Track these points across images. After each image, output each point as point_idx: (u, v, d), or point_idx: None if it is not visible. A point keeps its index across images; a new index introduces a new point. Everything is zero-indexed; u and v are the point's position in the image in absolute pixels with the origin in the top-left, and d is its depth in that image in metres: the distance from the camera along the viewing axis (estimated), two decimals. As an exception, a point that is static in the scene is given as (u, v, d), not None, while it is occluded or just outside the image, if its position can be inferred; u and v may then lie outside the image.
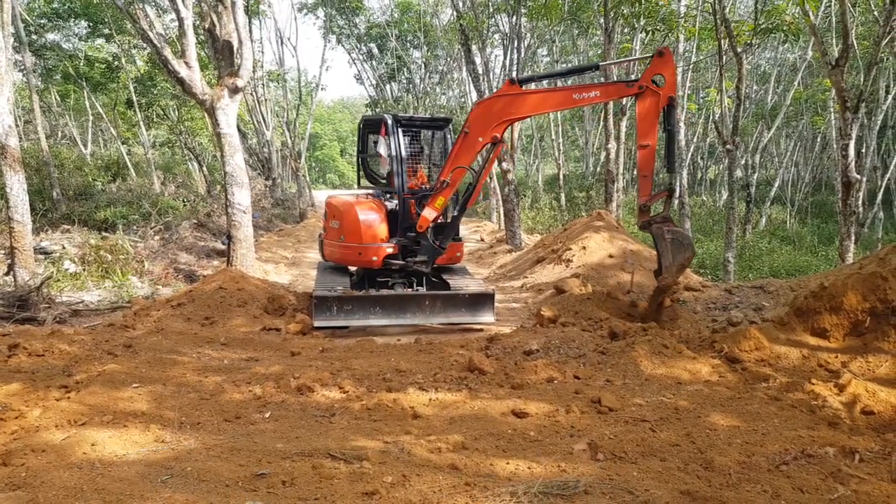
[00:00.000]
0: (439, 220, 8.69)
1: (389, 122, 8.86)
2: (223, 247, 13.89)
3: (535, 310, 9.09)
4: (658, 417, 4.47)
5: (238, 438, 4.13)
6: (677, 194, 21.52)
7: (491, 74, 20.74)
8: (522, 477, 3.52)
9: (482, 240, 20.90)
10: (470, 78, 20.07)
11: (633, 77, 7.59)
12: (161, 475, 3.38)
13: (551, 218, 24.24)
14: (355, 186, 10.63)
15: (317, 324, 8.06)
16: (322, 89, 34.63)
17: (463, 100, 35.01)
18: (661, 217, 7.57)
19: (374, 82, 37.13)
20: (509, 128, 17.19)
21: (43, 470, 3.38)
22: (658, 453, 3.89)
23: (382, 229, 8.87)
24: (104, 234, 14.76)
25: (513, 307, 10.18)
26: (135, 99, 24.32)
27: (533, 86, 8.46)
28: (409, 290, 9.00)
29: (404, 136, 9.12)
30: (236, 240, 11.40)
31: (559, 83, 19.33)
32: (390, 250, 8.80)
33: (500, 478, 3.51)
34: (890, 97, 21.91)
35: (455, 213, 8.71)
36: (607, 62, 9.77)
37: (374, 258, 8.79)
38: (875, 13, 12.40)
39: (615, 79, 13.78)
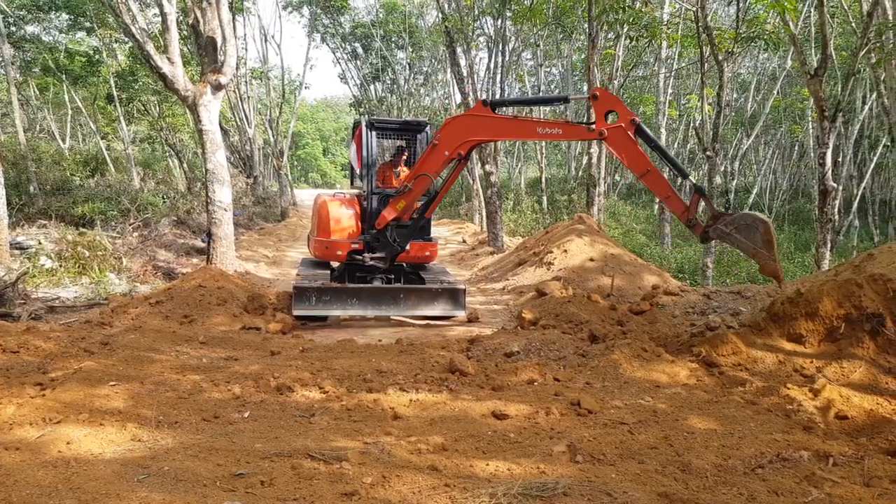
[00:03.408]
0: (405, 221, 8.88)
1: (363, 124, 9.20)
2: (203, 244, 13.77)
3: (517, 312, 9.14)
4: (636, 420, 4.51)
5: (216, 438, 4.09)
6: (657, 200, 21.78)
7: (475, 77, 20.79)
8: (502, 478, 3.53)
9: (464, 241, 20.89)
10: (454, 80, 20.10)
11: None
12: (137, 474, 3.35)
13: (533, 221, 24.31)
14: (338, 185, 10.82)
15: (296, 313, 8.38)
16: (306, 88, 34.60)
17: (447, 101, 35.00)
18: (711, 219, 6.85)
19: (358, 82, 37.05)
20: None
21: (17, 468, 3.33)
22: (636, 455, 3.93)
23: (350, 225, 9.20)
24: (82, 229, 14.52)
25: (494, 309, 10.20)
26: (115, 93, 24.01)
27: (504, 110, 8.40)
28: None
29: (380, 138, 9.51)
30: (216, 237, 11.29)
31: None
32: (355, 246, 9.06)
33: (480, 479, 3.51)
34: (867, 107, 22.30)
35: (415, 216, 8.79)
36: (576, 96, 9.95)
37: (339, 252, 9.12)
38: (853, 25, 12.62)
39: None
